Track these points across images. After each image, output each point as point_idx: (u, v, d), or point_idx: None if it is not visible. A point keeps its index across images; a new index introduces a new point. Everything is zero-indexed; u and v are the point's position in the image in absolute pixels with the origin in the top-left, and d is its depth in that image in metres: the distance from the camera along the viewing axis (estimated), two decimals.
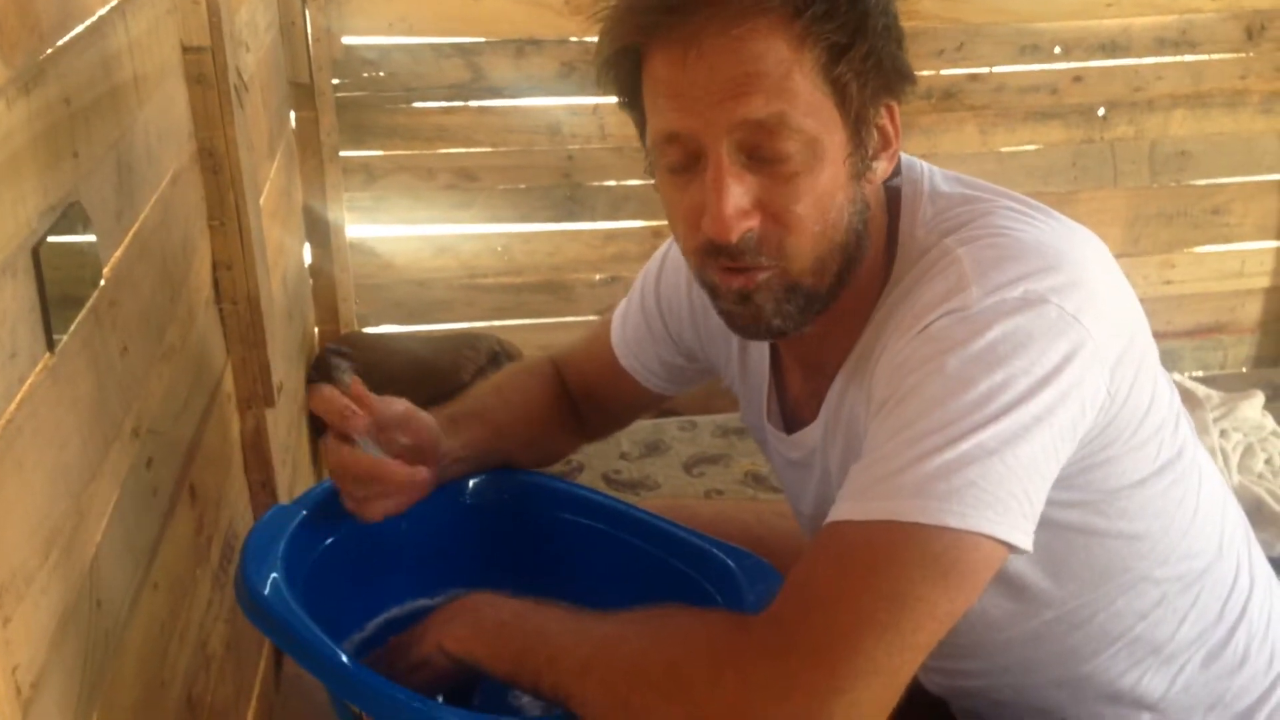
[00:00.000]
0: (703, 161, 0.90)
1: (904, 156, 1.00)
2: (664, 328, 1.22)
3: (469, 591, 1.00)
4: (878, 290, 0.97)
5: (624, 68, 0.93)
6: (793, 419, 1.10)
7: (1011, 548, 0.83)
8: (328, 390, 1.04)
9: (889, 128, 0.94)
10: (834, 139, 0.89)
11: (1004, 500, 0.82)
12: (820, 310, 0.96)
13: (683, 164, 0.92)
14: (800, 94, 0.87)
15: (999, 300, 0.86)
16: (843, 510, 0.85)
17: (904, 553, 0.81)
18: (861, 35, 0.88)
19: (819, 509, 1.08)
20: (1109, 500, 0.95)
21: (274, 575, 0.98)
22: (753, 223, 0.90)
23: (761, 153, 0.88)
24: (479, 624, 0.95)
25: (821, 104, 0.88)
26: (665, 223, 2.11)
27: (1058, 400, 0.84)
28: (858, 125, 0.91)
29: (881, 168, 0.95)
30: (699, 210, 0.91)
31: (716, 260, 0.93)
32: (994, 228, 0.92)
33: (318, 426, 2.28)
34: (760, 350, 1.13)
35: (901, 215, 0.98)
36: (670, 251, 1.21)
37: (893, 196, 0.99)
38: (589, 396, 1.29)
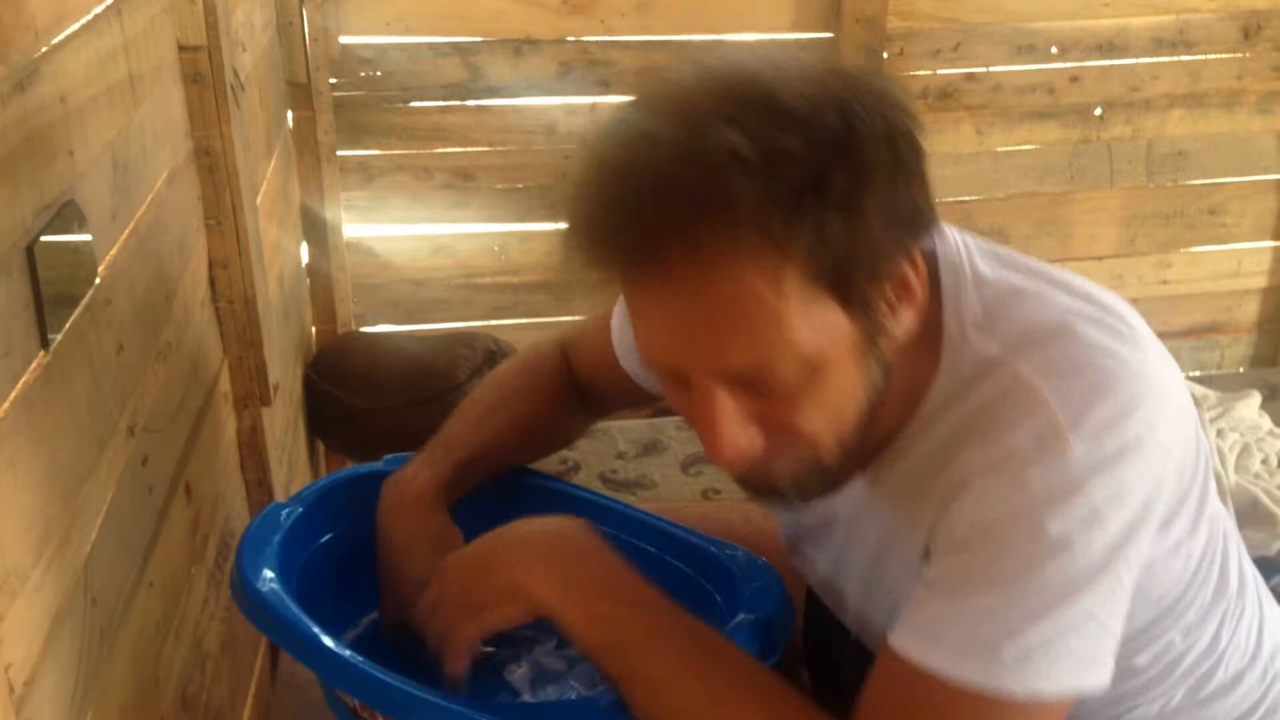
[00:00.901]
0: (692, 384, 0.82)
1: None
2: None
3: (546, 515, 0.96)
4: (920, 387, 0.89)
5: (602, 285, 0.85)
6: None
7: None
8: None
9: (909, 275, 0.83)
10: (837, 337, 0.80)
11: (1098, 655, 0.82)
12: (854, 460, 0.90)
13: (674, 381, 0.85)
14: (788, 320, 0.77)
15: (1098, 454, 0.81)
16: (934, 655, 0.82)
17: None
18: (853, 215, 0.76)
19: (837, 571, 1.05)
20: (1140, 592, 0.90)
21: (269, 571, 0.98)
22: (755, 444, 0.83)
23: (755, 387, 0.81)
24: (568, 575, 0.91)
25: (815, 310, 0.78)
26: None
27: (1146, 536, 0.83)
28: (864, 307, 0.81)
29: (906, 319, 0.84)
30: (696, 421, 0.84)
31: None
32: (1066, 349, 0.85)
33: (314, 426, 2.29)
34: None
35: (945, 308, 0.88)
36: None
37: (929, 271, 0.88)
38: (593, 383, 1.26)
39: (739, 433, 0.82)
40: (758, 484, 0.90)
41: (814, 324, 0.78)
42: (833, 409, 0.83)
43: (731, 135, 0.73)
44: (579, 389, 1.26)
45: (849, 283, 0.78)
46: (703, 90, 0.77)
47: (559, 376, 1.25)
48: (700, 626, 0.91)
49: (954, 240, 0.92)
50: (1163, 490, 0.85)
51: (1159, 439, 0.83)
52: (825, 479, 0.90)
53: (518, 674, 1.06)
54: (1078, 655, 0.81)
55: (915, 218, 0.82)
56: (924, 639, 0.83)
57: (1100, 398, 0.82)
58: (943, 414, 0.88)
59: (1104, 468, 0.81)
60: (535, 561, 0.93)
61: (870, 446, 0.92)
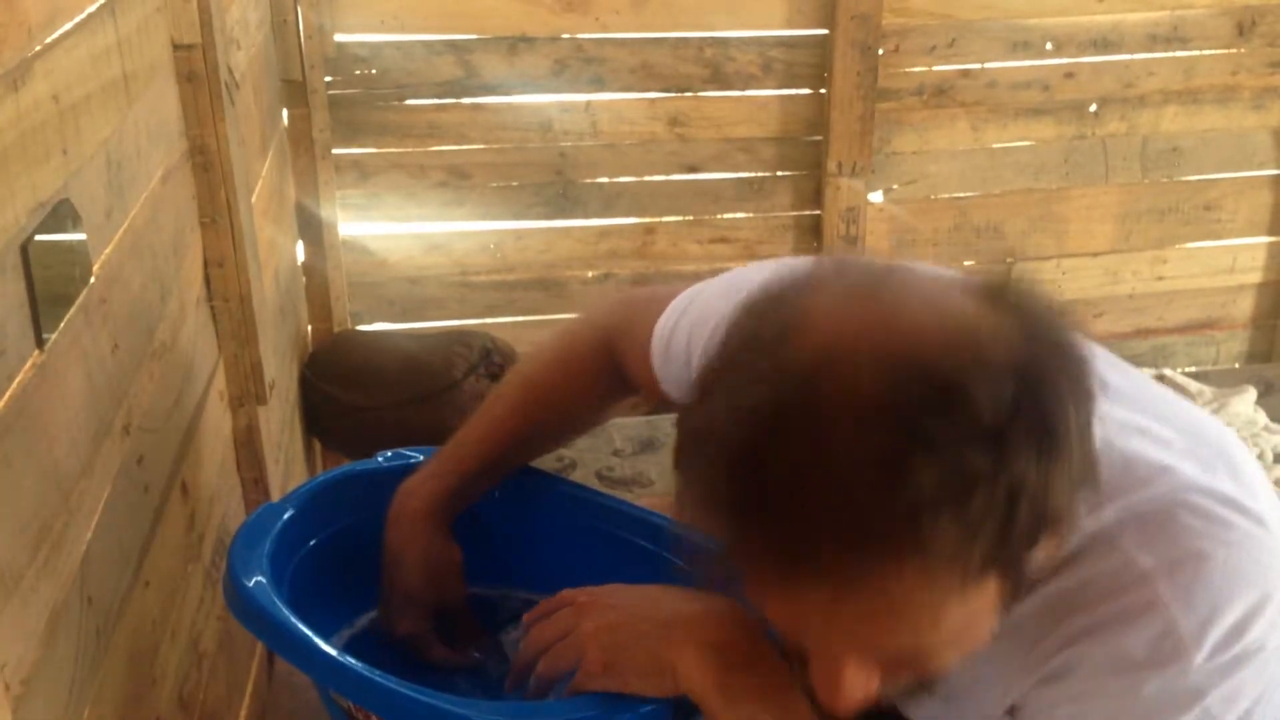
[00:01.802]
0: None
1: None
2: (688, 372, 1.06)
3: (723, 600, 0.90)
4: None
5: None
6: None
7: None
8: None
9: (1060, 534, 0.73)
10: (989, 604, 0.72)
11: None
12: None
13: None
14: (950, 614, 0.70)
15: (1218, 663, 0.77)
16: None
17: None
18: (1039, 517, 0.68)
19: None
20: None
21: (259, 573, 0.98)
22: (872, 691, 0.76)
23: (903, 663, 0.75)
24: (726, 676, 0.87)
25: (974, 594, 0.70)
26: (658, 219, 2.12)
27: None
28: (1020, 569, 0.71)
29: (1043, 556, 0.73)
30: (818, 671, 0.76)
31: None
32: (1185, 539, 0.79)
33: (310, 425, 2.28)
34: None
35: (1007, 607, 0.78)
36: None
37: None
38: (637, 378, 1.17)
39: (861, 695, 0.75)
40: None
41: (971, 606, 0.70)
42: (963, 649, 0.75)
43: (923, 471, 0.63)
44: (621, 367, 1.18)
45: (1016, 563, 0.70)
46: (878, 385, 0.65)
47: (594, 367, 1.18)
48: None
49: None
50: (1273, 692, 0.81)
51: (1277, 644, 0.79)
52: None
53: (513, 636, 1.07)
54: None
55: (1087, 474, 0.72)
56: None
57: (1227, 604, 0.77)
58: (1048, 581, 0.81)
59: (1222, 676, 0.78)
60: (695, 647, 0.88)
61: None
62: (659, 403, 1.17)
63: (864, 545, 0.65)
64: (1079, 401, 0.69)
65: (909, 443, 0.63)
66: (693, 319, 1.04)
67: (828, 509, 0.64)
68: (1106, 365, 0.81)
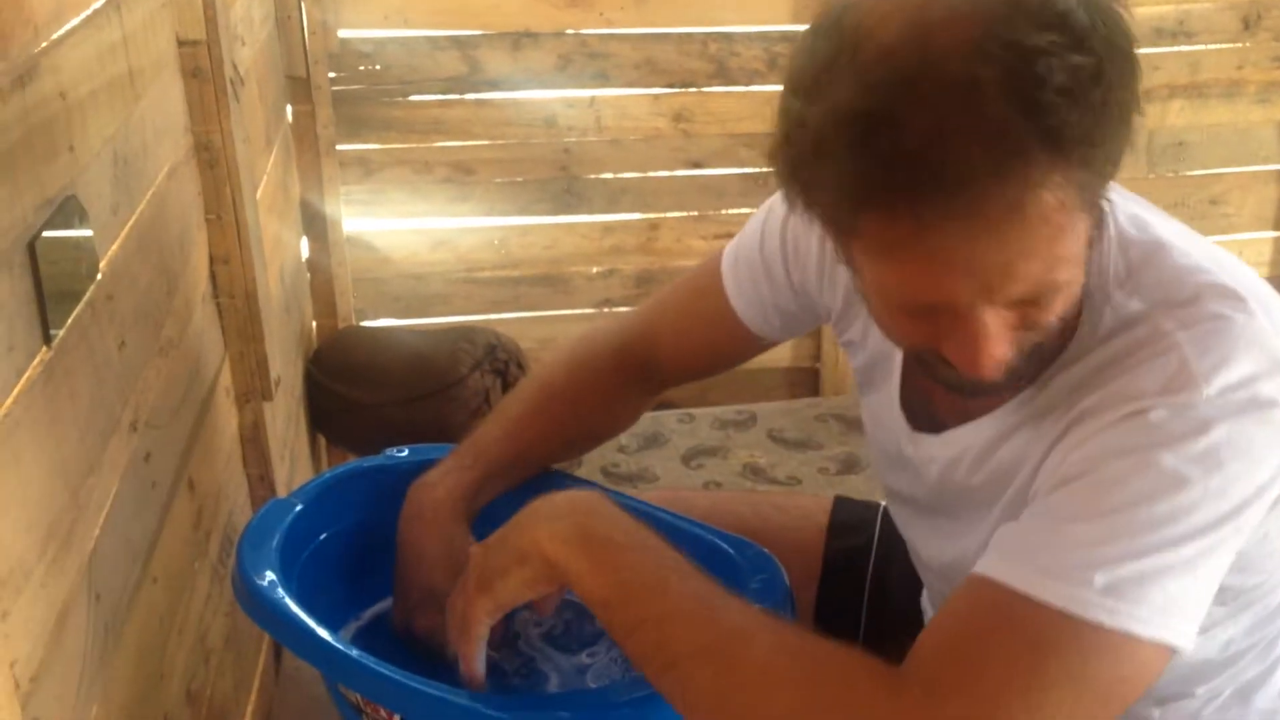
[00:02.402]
0: (950, 312, 0.80)
1: None
2: (785, 272, 1.12)
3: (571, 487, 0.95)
4: (1063, 336, 0.88)
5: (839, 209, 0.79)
6: (920, 411, 1.03)
7: (1180, 650, 0.80)
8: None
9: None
10: (1085, 239, 0.80)
11: (1187, 610, 0.79)
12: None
13: (921, 314, 0.82)
14: (1074, 238, 0.77)
15: (1228, 402, 0.80)
16: (1020, 578, 0.79)
17: (1089, 661, 0.77)
18: (1124, 129, 0.78)
19: (927, 497, 1.04)
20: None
21: (268, 568, 0.98)
22: (1011, 358, 0.81)
23: (1026, 308, 0.80)
24: (588, 534, 0.90)
25: (1081, 221, 0.78)
26: (662, 215, 2.13)
27: (1260, 507, 0.81)
28: (1099, 208, 0.81)
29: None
30: (940, 337, 0.82)
31: (944, 369, 0.84)
32: (1214, 311, 0.84)
33: (316, 421, 2.29)
34: None
35: (1090, 260, 0.84)
36: None
37: None
38: (677, 355, 1.22)
39: (1005, 349, 0.80)
40: (973, 389, 0.88)
41: (1081, 235, 0.79)
42: (1071, 298, 0.82)
43: (1043, 62, 0.71)
44: (649, 368, 1.23)
45: (1100, 193, 0.80)
46: (975, 28, 0.73)
47: (612, 368, 1.22)
48: (706, 575, 0.88)
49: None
50: None
51: None
52: (1039, 367, 0.88)
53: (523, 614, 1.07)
54: (1171, 602, 0.77)
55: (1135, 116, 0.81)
56: (1011, 560, 0.80)
57: (1242, 355, 0.81)
58: (1078, 362, 0.88)
59: (1232, 416, 0.79)
60: (547, 521, 0.92)
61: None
62: (673, 384, 1.26)
63: (1000, 144, 0.71)
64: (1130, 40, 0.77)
65: (1022, 59, 0.71)
66: (753, 228, 1.14)
67: (969, 136, 0.71)
68: (1157, 212, 0.93)
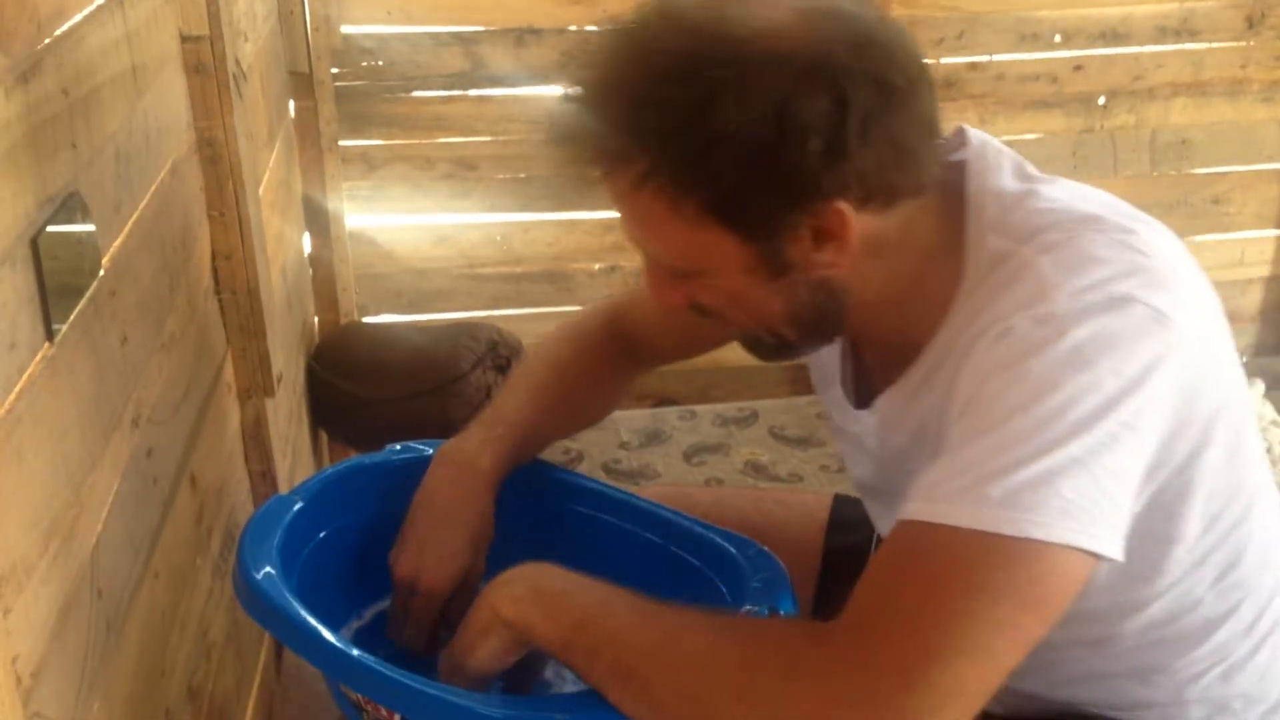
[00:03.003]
0: None
1: (972, 136, 0.97)
2: None
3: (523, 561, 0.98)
4: (948, 290, 0.93)
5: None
6: (862, 389, 1.08)
7: (1100, 558, 0.81)
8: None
9: (829, 226, 0.88)
10: (727, 257, 0.91)
11: (1091, 512, 0.80)
12: (829, 339, 1.00)
13: None
14: (652, 225, 0.91)
15: (1084, 302, 0.83)
16: (925, 510, 0.82)
17: (994, 571, 0.79)
18: (747, 166, 0.85)
19: (878, 479, 1.08)
20: (1162, 500, 0.90)
21: (269, 565, 0.98)
22: (679, 303, 0.97)
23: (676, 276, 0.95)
24: (539, 589, 0.93)
25: (700, 229, 0.89)
26: None
27: (1147, 403, 0.82)
28: (763, 236, 0.89)
29: (828, 257, 0.90)
30: None
31: None
32: (1071, 234, 0.89)
33: (317, 417, 2.29)
34: None
35: (968, 211, 0.93)
36: None
37: (957, 187, 0.95)
38: (656, 333, 1.26)
39: (662, 291, 0.97)
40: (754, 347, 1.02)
41: (703, 242, 0.90)
42: (743, 309, 0.95)
43: (659, 93, 0.85)
44: (632, 343, 1.26)
45: (746, 220, 0.88)
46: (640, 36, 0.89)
47: (604, 341, 1.26)
48: (654, 599, 0.91)
49: (989, 153, 0.97)
50: (1169, 362, 0.83)
51: (1159, 306, 0.84)
52: (801, 345, 1.01)
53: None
54: (1070, 504, 0.79)
55: (806, 181, 0.86)
56: (918, 499, 0.84)
57: (1094, 262, 0.86)
58: (963, 307, 0.92)
59: (1091, 315, 0.83)
60: (501, 588, 0.95)
61: (909, 350, 0.97)
62: (658, 363, 1.32)
63: (599, 160, 0.92)
64: (785, 109, 0.84)
65: (655, 74, 0.86)
66: None
67: (581, 138, 0.92)
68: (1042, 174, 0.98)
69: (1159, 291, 0.85)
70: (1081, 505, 0.79)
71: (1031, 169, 0.98)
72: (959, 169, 0.95)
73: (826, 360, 1.12)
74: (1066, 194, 0.94)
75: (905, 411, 0.99)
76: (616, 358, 1.26)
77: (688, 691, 0.84)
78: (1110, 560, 0.81)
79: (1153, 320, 0.83)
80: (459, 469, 1.12)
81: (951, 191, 0.95)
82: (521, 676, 0.99)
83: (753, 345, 1.02)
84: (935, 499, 0.82)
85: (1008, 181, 0.95)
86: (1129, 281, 0.84)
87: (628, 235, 0.95)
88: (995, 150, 0.97)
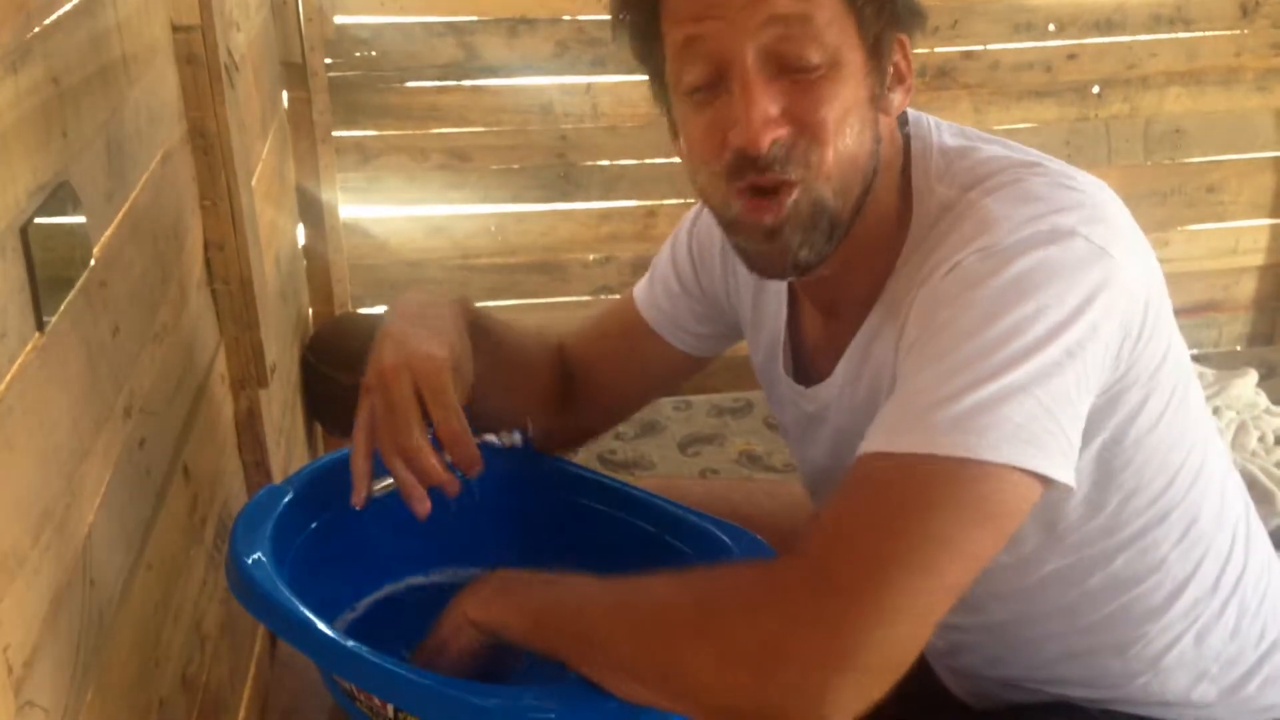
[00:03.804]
0: (726, 78, 0.91)
1: (910, 113, 1.01)
2: (695, 277, 1.21)
3: (492, 569, 0.99)
4: (896, 241, 0.97)
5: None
6: (809, 370, 1.10)
7: (1050, 482, 0.83)
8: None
9: (902, 63, 0.96)
10: (854, 56, 0.91)
11: (1039, 435, 0.82)
12: (840, 240, 0.96)
13: (705, 81, 0.92)
14: (823, 3, 0.90)
15: (1026, 234, 0.86)
16: (875, 442, 0.85)
17: (942, 490, 0.81)
18: None
19: (834, 460, 1.08)
20: (1116, 448, 0.95)
21: (261, 555, 0.98)
22: (781, 131, 0.90)
23: (786, 60, 0.89)
24: (504, 588, 0.95)
25: (841, 17, 0.90)
26: (660, 202, 2.13)
27: (1089, 332, 0.84)
28: (875, 49, 0.93)
29: (897, 100, 0.97)
30: (724, 127, 0.91)
31: (743, 179, 0.92)
32: (1015, 177, 0.92)
33: (311, 408, 2.29)
34: (778, 298, 1.12)
35: (914, 167, 0.98)
36: (705, 210, 1.15)
37: (903, 145, 1.00)
38: (593, 373, 1.26)
39: (770, 108, 0.89)
40: (771, 253, 0.95)
41: (841, 26, 0.90)
42: (845, 117, 0.91)
43: None
44: (564, 381, 1.27)
45: (866, 18, 0.91)
46: None
47: (550, 354, 1.27)
48: (622, 577, 0.92)
49: (925, 119, 1.02)
50: (1109, 293, 0.86)
51: (1099, 241, 0.86)
52: (830, 234, 0.94)
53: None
54: (1019, 428, 0.81)
55: (910, 11, 0.96)
56: (872, 434, 0.86)
57: (1036, 199, 0.89)
58: (913, 255, 0.95)
59: (1034, 247, 0.86)
60: (468, 595, 0.96)
61: (858, 308, 1.00)
62: (584, 411, 1.28)
63: None
64: None
65: None
66: (664, 248, 1.25)
67: None
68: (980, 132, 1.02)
69: (1099, 226, 0.88)
70: (1030, 429, 0.82)
71: (970, 130, 1.01)
72: (905, 138, 1.00)
73: (771, 347, 1.14)
74: (1006, 149, 0.98)
75: (861, 368, 1.01)
76: (554, 358, 1.27)
77: (650, 641, 0.85)
78: (1060, 485, 0.84)
79: (1093, 253, 0.86)
80: (426, 294, 1.09)
81: (899, 155, 1.00)
82: (499, 674, 0.99)
83: (783, 246, 0.94)
84: (885, 430, 0.85)
85: (949, 139, 0.99)
86: (1071, 215, 0.88)
87: (776, 16, 0.90)
88: (933, 119, 1.02)
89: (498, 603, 0.93)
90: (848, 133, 0.91)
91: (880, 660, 0.79)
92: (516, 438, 1.14)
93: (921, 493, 0.81)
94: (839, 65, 0.90)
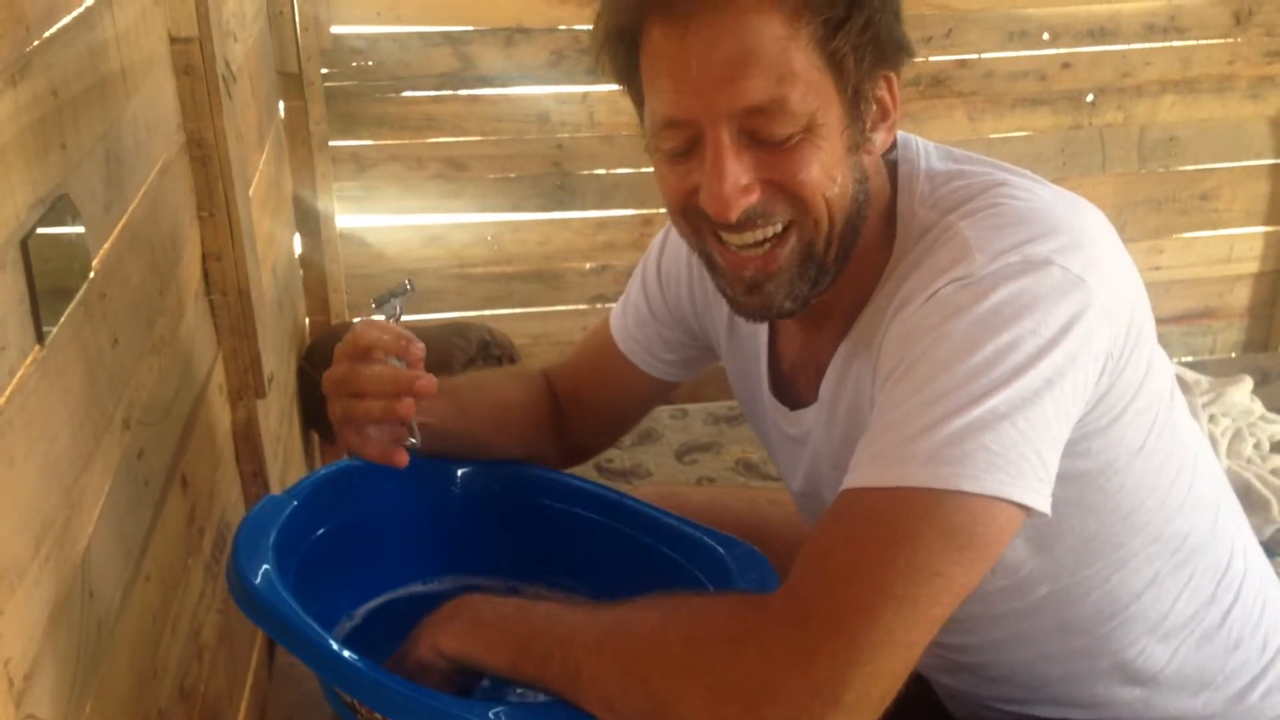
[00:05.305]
0: (700, 145, 0.91)
1: (899, 134, 1.01)
2: (664, 303, 1.23)
3: (461, 594, 0.99)
4: (880, 264, 0.98)
5: (621, 48, 0.94)
6: (790, 393, 1.10)
7: (1028, 510, 0.83)
8: (381, 322, 1.04)
9: (887, 99, 0.96)
10: (831, 114, 0.90)
11: (1017, 464, 0.82)
12: (826, 286, 0.97)
13: (682, 149, 0.93)
14: (798, 73, 0.88)
15: (1002, 265, 0.87)
16: (856, 478, 0.86)
17: (921, 523, 0.81)
18: (858, 8, 0.89)
19: (808, 485, 1.09)
20: (1105, 472, 0.95)
21: (265, 565, 0.98)
22: (752, 198, 0.91)
23: (760, 135, 0.90)
24: (477, 619, 0.95)
25: (818, 80, 0.89)
26: (656, 211, 2.13)
27: (1066, 361, 0.85)
28: (855, 99, 0.92)
29: (880, 139, 0.96)
30: (696, 187, 0.92)
31: (717, 234, 0.94)
32: (993, 201, 0.93)
33: (308, 418, 2.28)
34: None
35: (899, 192, 0.99)
36: (672, 231, 1.20)
37: (889, 173, 1.00)
38: (578, 399, 1.28)
39: (740, 179, 0.90)
40: (754, 303, 0.97)
41: (817, 90, 0.89)
42: (824, 170, 0.91)
43: None
44: (556, 409, 1.28)
45: (845, 70, 0.90)
46: None
47: (535, 384, 1.28)
48: (607, 603, 0.93)
49: (914, 143, 1.02)
50: (1085, 322, 0.86)
51: (1074, 270, 0.87)
52: (816, 281, 0.96)
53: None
54: (995, 456, 0.82)
55: (895, 47, 0.94)
56: (854, 469, 0.86)
57: (1013, 227, 0.89)
58: (892, 277, 0.96)
59: (1009, 278, 0.86)
60: (440, 625, 0.96)
61: (840, 326, 1.00)
62: (578, 434, 1.29)
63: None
64: None
65: None
66: (634, 276, 1.29)
67: None
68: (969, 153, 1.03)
69: (1076, 254, 0.88)
70: (1007, 458, 0.82)
71: (960, 153, 1.02)
72: (892, 164, 1.01)
73: (750, 369, 1.15)
74: (992, 169, 0.99)
75: (839, 388, 1.01)
76: (539, 388, 1.28)
77: (638, 675, 0.85)
78: (1037, 514, 0.84)
79: (1069, 282, 0.86)
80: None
81: (886, 185, 1.00)
82: (469, 685, 1.00)
83: (766, 298, 0.96)
84: (864, 465, 0.85)
85: (937, 164, 1.00)
86: (1048, 243, 0.88)
87: (728, 84, 0.89)
88: (923, 142, 1.02)
89: (475, 636, 0.93)
90: (829, 187, 0.92)
91: (867, 694, 0.80)
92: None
93: (901, 527, 0.82)
94: (815, 128, 0.90)
